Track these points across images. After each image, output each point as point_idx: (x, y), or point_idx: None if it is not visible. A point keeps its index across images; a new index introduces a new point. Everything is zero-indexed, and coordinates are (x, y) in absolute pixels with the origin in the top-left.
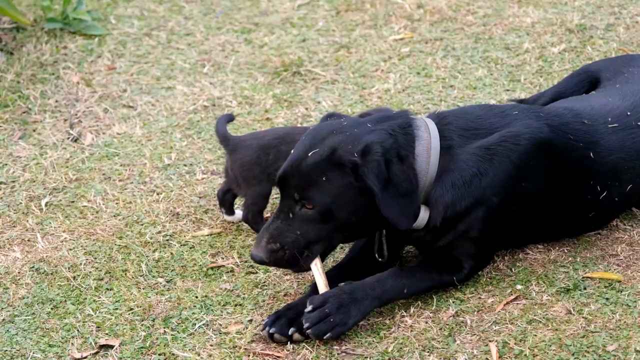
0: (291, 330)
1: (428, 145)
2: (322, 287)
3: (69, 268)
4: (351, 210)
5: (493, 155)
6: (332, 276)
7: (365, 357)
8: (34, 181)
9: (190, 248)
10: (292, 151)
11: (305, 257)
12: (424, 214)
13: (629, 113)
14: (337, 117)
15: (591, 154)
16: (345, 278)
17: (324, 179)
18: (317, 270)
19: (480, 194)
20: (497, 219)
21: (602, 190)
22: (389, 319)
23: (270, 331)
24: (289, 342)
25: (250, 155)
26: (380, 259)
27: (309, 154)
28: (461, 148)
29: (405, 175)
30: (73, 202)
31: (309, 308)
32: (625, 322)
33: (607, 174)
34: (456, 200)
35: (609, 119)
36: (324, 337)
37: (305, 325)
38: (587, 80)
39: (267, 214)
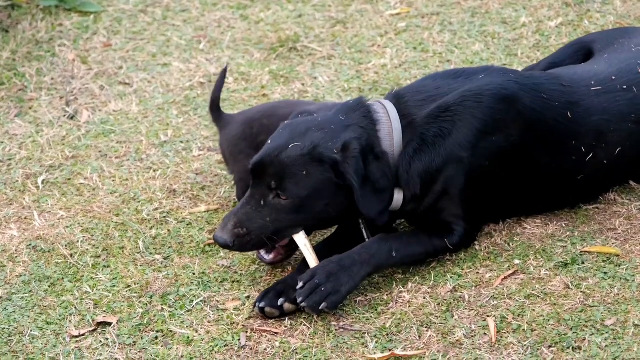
0: (280, 300)
1: (389, 128)
2: (313, 263)
3: (66, 246)
4: (327, 203)
5: (454, 114)
6: (320, 252)
7: (363, 333)
8: (31, 159)
9: (187, 225)
10: (269, 141)
11: (272, 241)
12: (397, 196)
13: (613, 77)
14: (307, 114)
15: (569, 114)
16: (333, 253)
17: (304, 172)
18: (307, 249)
19: (448, 152)
20: (473, 175)
21: (587, 151)
22: (387, 295)
23: (260, 305)
24: (283, 315)
25: (236, 130)
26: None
27: (290, 146)
28: (420, 115)
29: (382, 172)
30: (69, 179)
31: (299, 285)
32: (623, 296)
33: (590, 135)
34: (425, 164)
35: (592, 82)
36: (320, 309)
37: (299, 299)
38: (582, 52)
39: None
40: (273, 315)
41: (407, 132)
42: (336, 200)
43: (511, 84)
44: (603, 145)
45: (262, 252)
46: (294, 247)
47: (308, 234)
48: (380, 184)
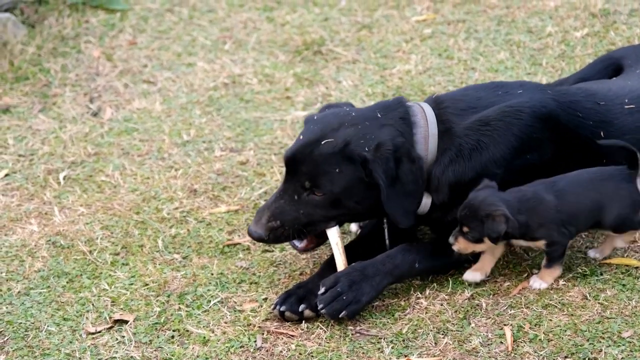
0: (302, 307)
1: (425, 132)
2: (341, 266)
3: (85, 242)
4: (358, 200)
5: (494, 129)
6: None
7: (380, 338)
8: (53, 154)
9: (207, 225)
10: (301, 136)
11: (304, 234)
12: (425, 200)
13: None
14: (336, 107)
15: (602, 133)
16: (357, 258)
17: (337, 170)
18: (337, 248)
19: (482, 167)
20: (502, 191)
21: None
22: (404, 301)
23: (281, 309)
24: (301, 320)
25: None
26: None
27: (322, 143)
28: (460, 125)
29: (414, 175)
30: (91, 176)
31: (321, 290)
32: None
33: (622, 155)
34: (458, 175)
35: (626, 100)
36: (339, 316)
37: (320, 306)
38: (611, 67)
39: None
40: (292, 319)
41: (444, 139)
42: (367, 198)
43: (549, 101)
44: None
45: (294, 239)
46: (324, 236)
47: (339, 226)
48: (410, 187)
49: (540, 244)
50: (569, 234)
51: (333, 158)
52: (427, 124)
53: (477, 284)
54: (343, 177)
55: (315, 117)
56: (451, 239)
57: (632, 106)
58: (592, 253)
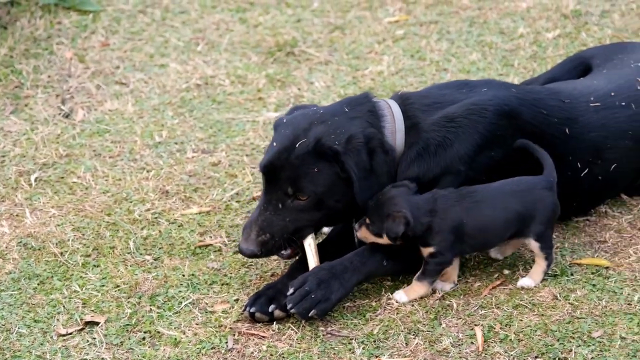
0: (271, 307)
1: (393, 127)
2: (313, 264)
3: (56, 244)
4: (338, 198)
5: (459, 126)
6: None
7: (351, 339)
8: (24, 156)
9: (179, 226)
10: (274, 143)
11: (292, 241)
12: None
13: (612, 94)
14: (303, 108)
15: (567, 130)
16: (327, 258)
17: (315, 169)
18: (310, 249)
19: (447, 163)
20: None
21: (582, 167)
22: (375, 301)
23: (251, 310)
24: (272, 321)
25: None
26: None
27: (297, 145)
28: (426, 120)
29: (387, 167)
30: (62, 177)
31: (290, 290)
32: (611, 308)
33: (587, 151)
34: (423, 170)
35: (591, 98)
36: (309, 315)
37: (289, 306)
38: (580, 67)
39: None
40: (262, 320)
41: (411, 134)
42: (345, 195)
43: (513, 99)
44: (599, 161)
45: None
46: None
47: (316, 231)
48: (383, 179)
49: (427, 251)
50: (460, 251)
51: (309, 158)
52: (394, 119)
53: None
54: (322, 175)
55: (285, 120)
56: (356, 225)
57: (597, 104)
58: (493, 253)
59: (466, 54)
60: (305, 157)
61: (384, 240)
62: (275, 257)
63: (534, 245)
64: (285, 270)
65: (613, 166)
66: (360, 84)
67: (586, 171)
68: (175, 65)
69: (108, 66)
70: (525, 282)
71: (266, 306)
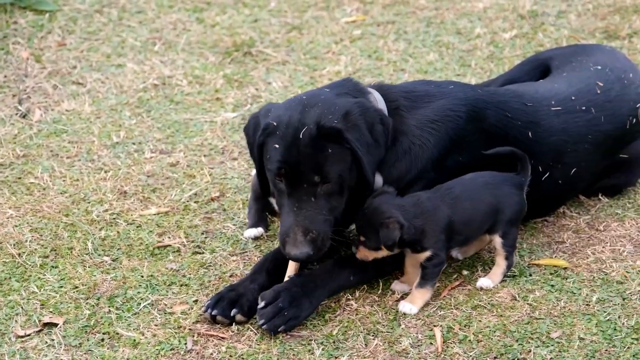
0: (233, 311)
1: (377, 103)
2: (292, 270)
3: (14, 245)
4: (353, 175)
5: (434, 129)
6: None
7: (310, 340)
8: None
9: (137, 227)
10: (276, 145)
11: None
12: (378, 180)
13: (573, 98)
14: (276, 104)
15: (530, 134)
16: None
17: (330, 151)
18: None
19: (422, 166)
20: None
21: (544, 171)
22: (335, 302)
23: (213, 313)
24: (232, 324)
25: None
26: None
27: (300, 136)
28: (409, 112)
29: (385, 138)
30: (20, 178)
31: (261, 304)
32: (569, 309)
33: (549, 155)
34: (406, 170)
35: (553, 102)
36: (278, 330)
37: (260, 322)
38: (539, 69)
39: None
40: (223, 322)
41: (395, 117)
42: (356, 172)
43: (480, 102)
44: (559, 165)
45: None
46: None
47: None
48: (382, 151)
49: (423, 256)
50: (448, 247)
51: (319, 142)
52: (377, 100)
53: None
54: (337, 154)
55: (275, 123)
56: (353, 249)
57: (558, 108)
58: (454, 253)
59: (423, 54)
60: (315, 143)
61: (384, 252)
62: (233, 257)
63: (497, 242)
64: (245, 271)
65: (573, 170)
66: (318, 84)
67: (547, 175)
68: (132, 65)
69: (65, 66)
70: (484, 282)
71: (228, 310)
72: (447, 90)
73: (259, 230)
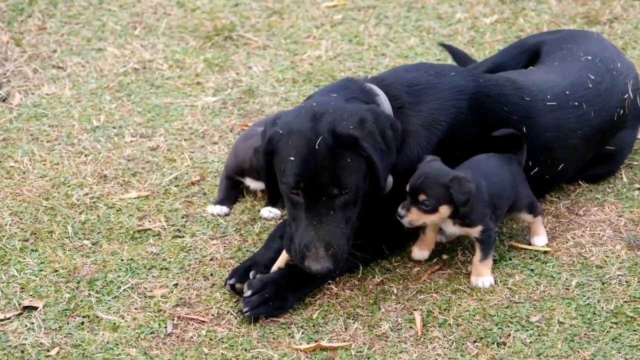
0: (252, 273)
1: (385, 105)
2: (283, 262)
3: None
4: (366, 183)
5: (439, 130)
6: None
7: (290, 324)
8: None
9: (117, 211)
10: (289, 157)
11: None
12: (390, 180)
13: (567, 92)
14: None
15: (524, 129)
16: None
17: (348, 160)
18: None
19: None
20: None
21: (533, 166)
22: (316, 289)
23: (230, 282)
24: (214, 307)
25: None
26: None
27: (317, 144)
28: (413, 110)
29: (396, 142)
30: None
31: (247, 293)
32: (549, 293)
33: (540, 151)
34: (408, 170)
35: (548, 97)
36: (260, 317)
37: (245, 309)
38: (526, 54)
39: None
40: (242, 290)
41: (400, 116)
42: (368, 180)
43: (481, 94)
44: (549, 161)
45: None
46: None
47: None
48: (394, 157)
49: (476, 231)
50: (495, 219)
51: (336, 152)
52: (383, 100)
53: (388, 270)
54: (354, 163)
55: (283, 131)
56: (401, 211)
57: (553, 103)
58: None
59: (404, 39)
60: (332, 153)
61: (439, 215)
62: (213, 241)
63: (523, 215)
64: (225, 256)
65: (561, 165)
66: (299, 69)
67: (536, 170)
68: (112, 49)
69: (45, 50)
70: (539, 241)
71: (245, 277)
72: (448, 79)
73: (223, 209)
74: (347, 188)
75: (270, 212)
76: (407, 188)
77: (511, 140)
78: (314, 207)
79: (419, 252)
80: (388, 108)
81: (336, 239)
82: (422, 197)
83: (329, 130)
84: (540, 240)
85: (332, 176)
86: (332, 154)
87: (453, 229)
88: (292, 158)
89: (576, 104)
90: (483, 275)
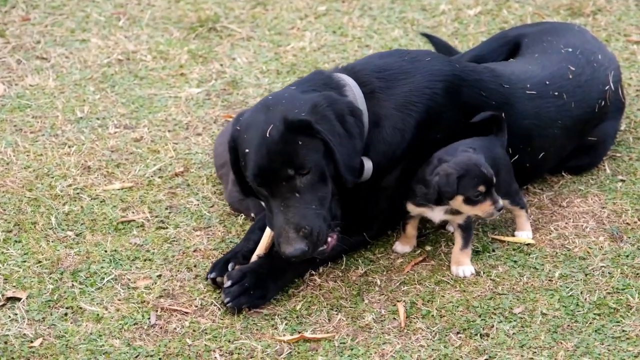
0: (230, 265)
1: (354, 95)
2: (262, 249)
3: None
4: (330, 166)
5: (413, 111)
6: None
7: (274, 315)
8: None
9: (101, 202)
10: (245, 149)
11: (332, 227)
12: (368, 165)
13: (547, 82)
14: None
15: (503, 115)
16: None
17: (300, 143)
18: (266, 237)
19: (406, 147)
20: (406, 171)
21: (513, 153)
22: (298, 278)
23: (211, 276)
24: (197, 298)
25: None
26: None
27: (267, 135)
28: (385, 94)
29: (359, 129)
30: None
31: (227, 283)
32: (532, 284)
33: (520, 138)
34: (392, 153)
35: (528, 85)
36: (242, 308)
37: (226, 300)
38: (507, 46)
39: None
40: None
41: (371, 101)
42: (330, 159)
43: (456, 77)
44: (529, 149)
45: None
46: None
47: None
48: (360, 143)
49: (460, 217)
50: None
51: (286, 136)
52: (352, 87)
53: (371, 261)
54: (308, 145)
55: (240, 127)
56: (500, 202)
57: (533, 92)
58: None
59: (388, 30)
60: (283, 138)
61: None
62: (197, 232)
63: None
64: (209, 247)
65: (541, 154)
66: (283, 60)
67: (516, 157)
68: (96, 40)
69: (29, 41)
70: (523, 235)
71: (224, 269)
72: (422, 64)
73: None
74: (304, 168)
75: None
76: (486, 183)
77: (491, 124)
78: (277, 194)
79: (401, 247)
80: (358, 95)
81: (306, 219)
82: (496, 181)
83: (279, 118)
84: (524, 235)
85: (286, 159)
86: (283, 139)
87: (443, 216)
88: (247, 150)
89: (556, 93)
90: (463, 264)
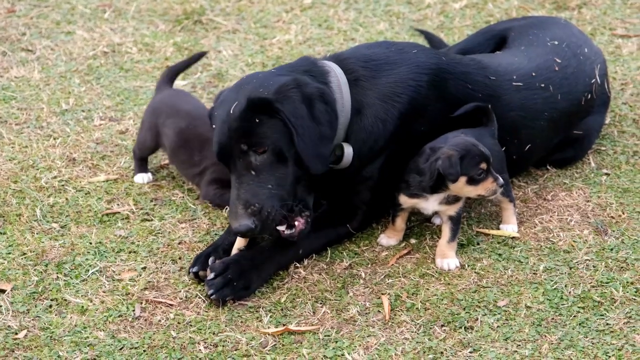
0: (210, 260)
1: (338, 82)
2: (243, 242)
3: None
4: (290, 147)
5: (397, 102)
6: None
7: (258, 307)
8: None
9: (86, 194)
10: (214, 125)
11: (297, 211)
12: (348, 151)
13: (533, 74)
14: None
15: (489, 106)
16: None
17: (257, 120)
18: None
19: (389, 138)
20: (390, 163)
21: (500, 145)
22: (283, 270)
23: (193, 270)
24: (182, 290)
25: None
26: None
27: (231, 111)
28: (370, 83)
29: (329, 117)
30: None
31: (210, 275)
32: (516, 278)
33: (506, 130)
34: (374, 142)
35: (514, 77)
36: (226, 300)
37: (209, 292)
38: (493, 40)
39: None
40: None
41: (355, 88)
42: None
43: (442, 70)
44: (515, 140)
45: (284, 229)
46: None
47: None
48: (325, 130)
49: (453, 208)
50: None
51: (245, 114)
52: (337, 73)
53: (356, 254)
54: (265, 124)
55: (215, 106)
56: (500, 179)
57: (519, 84)
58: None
59: (374, 23)
60: (242, 115)
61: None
62: (182, 224)
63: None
64: (194, 239)
65: (528, 146)
66: (268, 53)
67: (502, 149)
68: (82, 32)
69: (14, 33)
70: (509, 228)
71: (206, 264)
72: (408, 56)
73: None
74: (260, 146)
75: (142, 178)
76: (486, 160)
77: (478, 115)
78: (234, 171)
79: (386, 239)
80: (343, 82)
81: (257, 197)
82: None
83: (245, 95)
84: (509, 228)
85: (242, 135)
86: (242, 116)
87: (437, 207)
88: (214, 126)
89: (542, 85)
90: (448, 256)
